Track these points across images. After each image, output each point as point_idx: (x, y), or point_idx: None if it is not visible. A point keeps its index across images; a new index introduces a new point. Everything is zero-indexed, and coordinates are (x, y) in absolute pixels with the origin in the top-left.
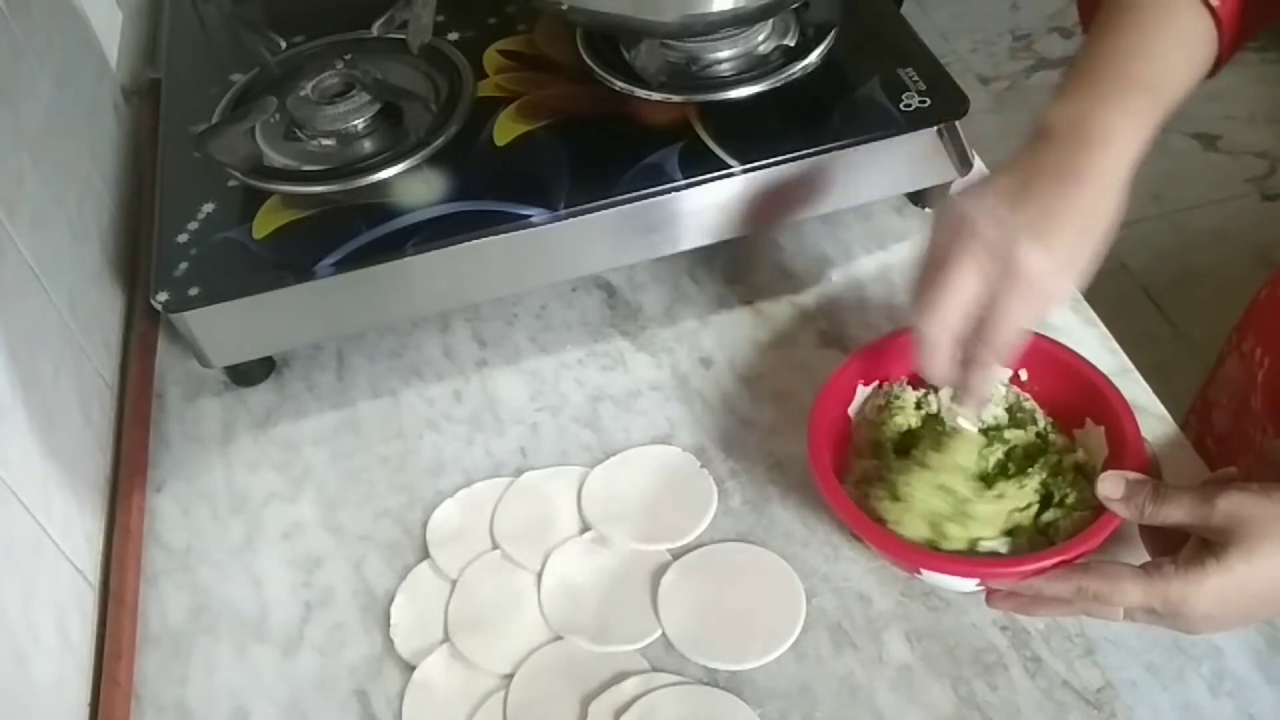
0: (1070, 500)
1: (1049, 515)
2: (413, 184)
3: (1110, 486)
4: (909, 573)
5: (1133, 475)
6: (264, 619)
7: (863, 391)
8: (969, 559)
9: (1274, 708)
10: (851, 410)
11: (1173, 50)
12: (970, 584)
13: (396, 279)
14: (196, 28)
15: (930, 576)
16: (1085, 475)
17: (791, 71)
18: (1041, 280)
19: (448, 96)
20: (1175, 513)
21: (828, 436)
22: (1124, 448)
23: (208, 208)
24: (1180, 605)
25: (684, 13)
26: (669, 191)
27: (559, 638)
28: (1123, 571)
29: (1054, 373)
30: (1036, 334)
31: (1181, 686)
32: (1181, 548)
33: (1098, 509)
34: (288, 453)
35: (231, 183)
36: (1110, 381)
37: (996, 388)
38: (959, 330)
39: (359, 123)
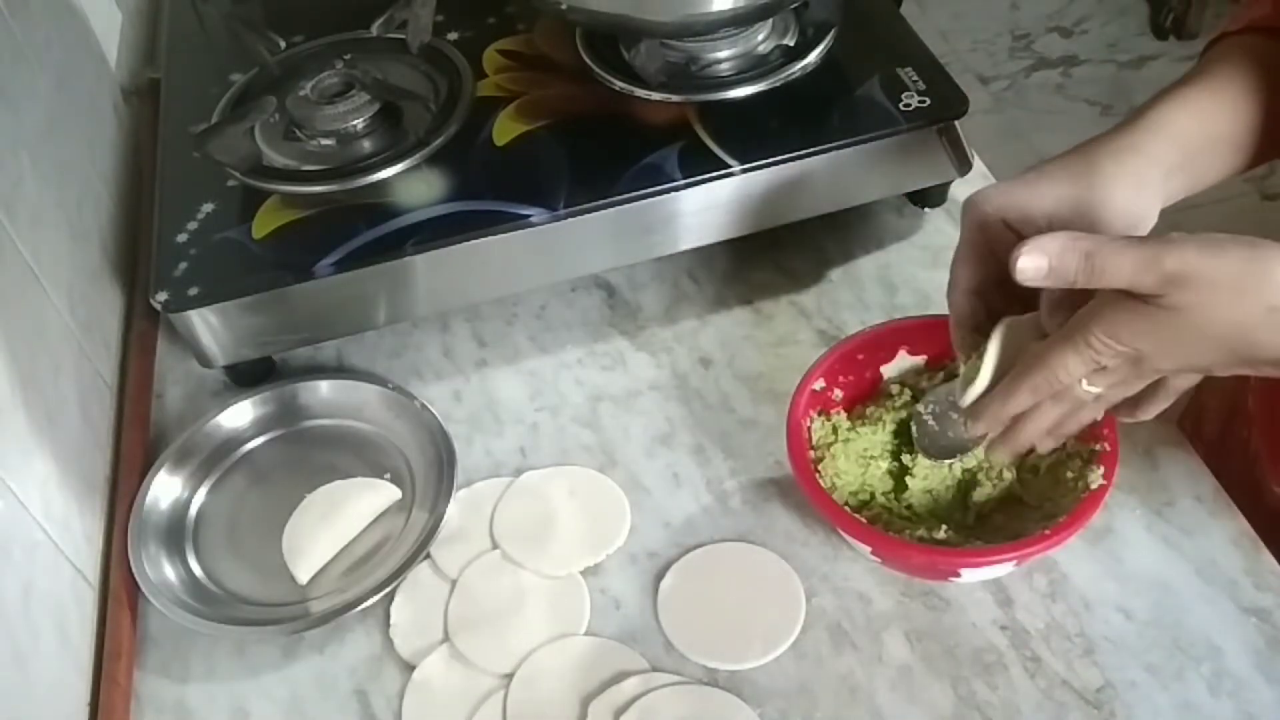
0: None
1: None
2: (412, 184)
3: (1031, 261)
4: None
5: (1057, 244)
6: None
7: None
8: (951, 550)
9: (1274, 708)
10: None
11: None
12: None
13: (396, 279)
14: (196, 28)
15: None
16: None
17: (791, 71)
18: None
19: (447, 96)
20: (1115, 277)
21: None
22: None
23: (207, 208)
24: (1184, 279)
25: (683, 12)
26: (669, 191)
27: (559, 638)
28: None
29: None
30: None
31: (1181, 686)
32: None
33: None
34: None
35: (231, 183)
36: None
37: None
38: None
39: (358, 122)
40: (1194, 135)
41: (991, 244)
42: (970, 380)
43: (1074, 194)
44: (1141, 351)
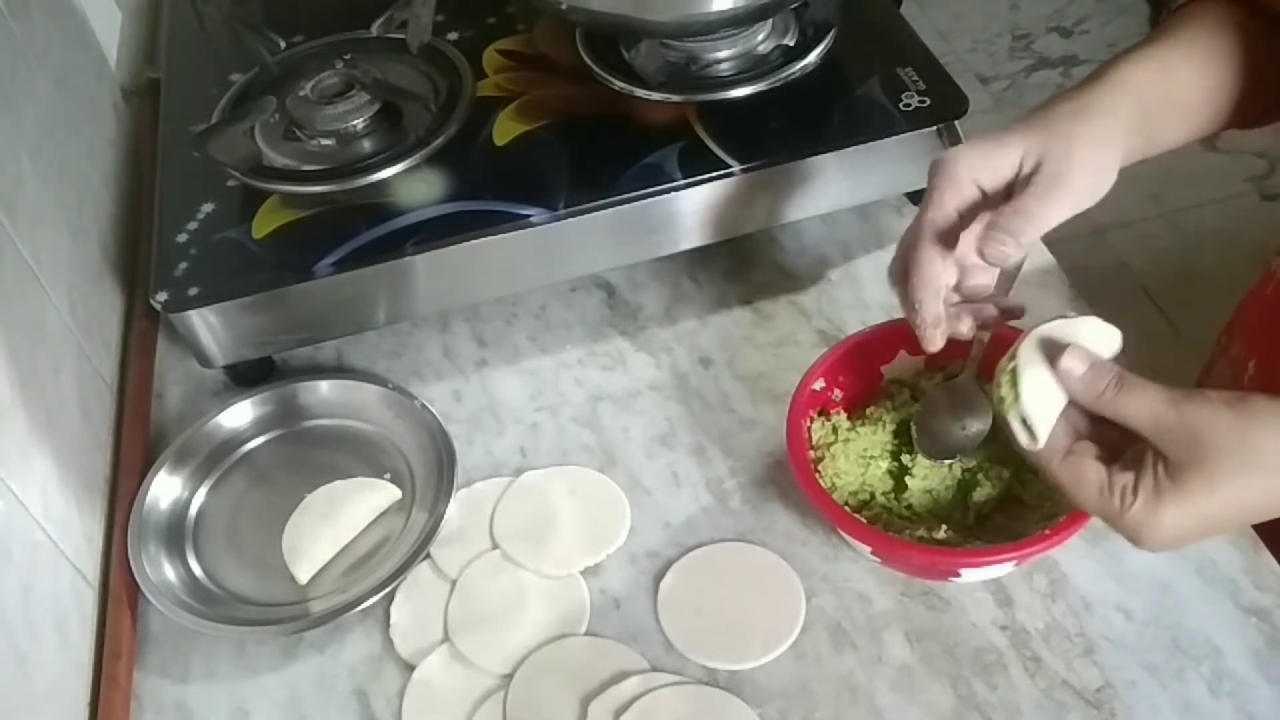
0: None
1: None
2: (412, 184)
3: (1073, 360)
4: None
5: (1097, 357)
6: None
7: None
8: (951, 550)
9: (1274, 708)
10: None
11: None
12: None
13: (396, 279)
14: (196, 28)
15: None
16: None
17: (791, 71)
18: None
19: (447, 96)
20: (1136, 408)
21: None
22: None
23: (207, 208)
24: (1137, 532)
25: (683, 12)
26: (669, 191)
27: (559, 637)
28: (1087, 478)
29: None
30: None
31: (1181, 686)
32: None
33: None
34: None
35: (231, 183)
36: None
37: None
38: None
39: (358, 122)
40: (1153, 94)
41: (959, 201)
42: (1011, 398)
43: (1039, 149)
44: (1154, 542)
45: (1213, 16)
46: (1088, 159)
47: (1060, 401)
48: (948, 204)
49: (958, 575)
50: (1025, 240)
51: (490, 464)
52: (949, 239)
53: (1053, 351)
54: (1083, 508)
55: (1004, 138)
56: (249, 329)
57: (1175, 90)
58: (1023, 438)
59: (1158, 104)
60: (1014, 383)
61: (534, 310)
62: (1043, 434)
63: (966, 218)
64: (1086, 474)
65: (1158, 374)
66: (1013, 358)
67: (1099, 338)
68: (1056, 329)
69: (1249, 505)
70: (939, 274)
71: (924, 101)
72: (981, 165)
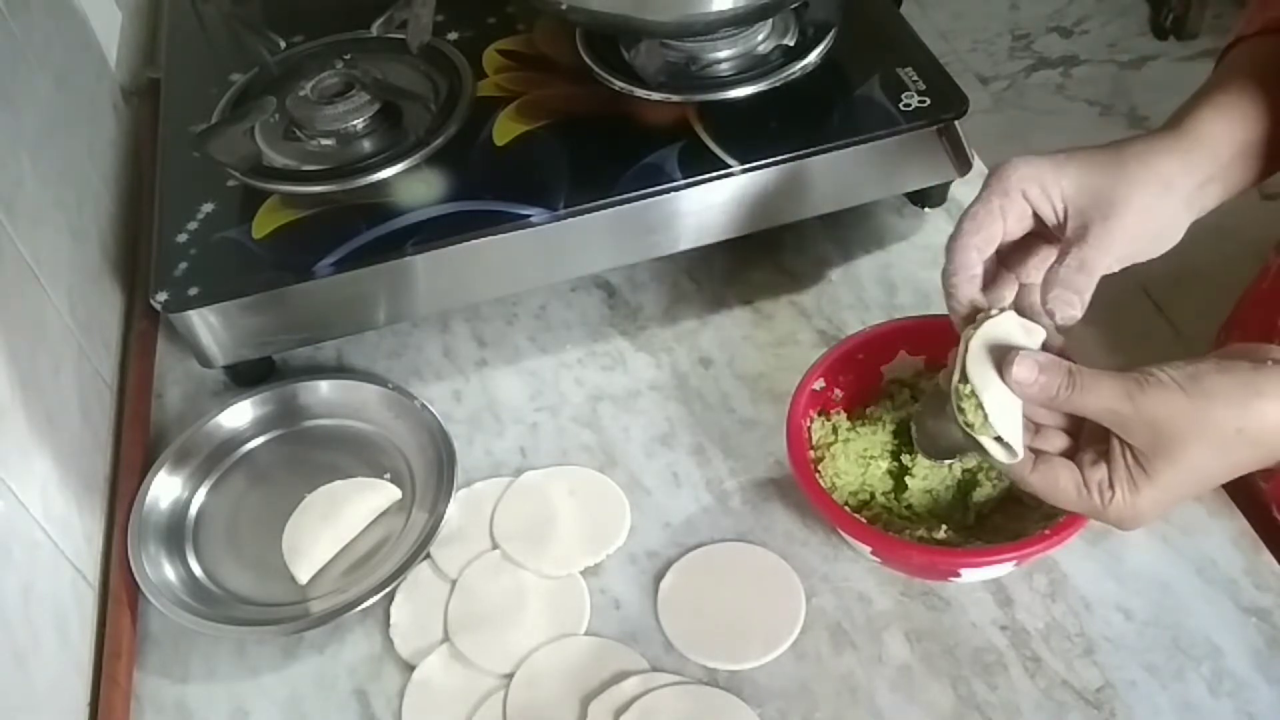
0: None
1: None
2: (412, 184)
3: (1024, 370)
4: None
5: (1044, 357)
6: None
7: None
8: (951, 550)
9: (1274, 708)
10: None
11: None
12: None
13: (396, 279)
14: (196, 28)
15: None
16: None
17: (791, 71)
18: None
19: (447, 96)
20: (1093, 405)
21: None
22: None
23: (207, 208)
24: (1120, 521)
25: (683, 12)
26: (668, 191)
27: (559, 638)
28: (1062, 482)
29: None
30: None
31: (1181, 686)
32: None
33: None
34: None
35: (231, 183)
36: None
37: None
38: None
39: (358, 122)
40: (1229, 144)
41: (1005, 210)
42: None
43: (1096, 184)
44: (1135, 525)
45: (1269, 56)
46: (1145, 208)
47: (1018, 405)
48: (993, 204)
49: (958, 575)
50: (1089, 295)
51: (490, 464)
52: (988, 237)
53: (996, 356)
54: (1064, 508)
55: (1066, 163)
56: (249, 329)
57: (1249, 137)
58: (1001, 455)
59: (1234, 153)
60: (979, 406)
61: (534, 310)
62: (1019, 446)
63: (1012, 225)
64: (1060, 478)
65: None
66: (965, 379)
67: (1028, 325)
68: (991, 331)
69: (1214, 474)
70: (974, 263)
71: (924, 101)
72: (1033, 178)
